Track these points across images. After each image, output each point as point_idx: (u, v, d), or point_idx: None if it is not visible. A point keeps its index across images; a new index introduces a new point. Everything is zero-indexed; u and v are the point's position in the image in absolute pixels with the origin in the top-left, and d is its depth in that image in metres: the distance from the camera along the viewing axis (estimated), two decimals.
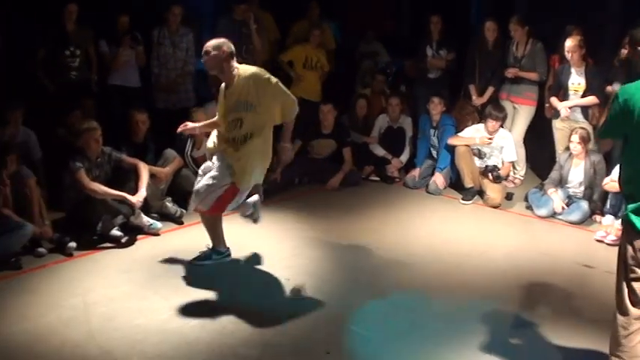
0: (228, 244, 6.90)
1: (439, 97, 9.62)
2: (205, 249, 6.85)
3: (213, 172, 6.29)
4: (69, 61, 8.90)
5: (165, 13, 9.49)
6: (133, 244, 7.34)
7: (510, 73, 9.62)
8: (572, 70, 8.83)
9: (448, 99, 10.41)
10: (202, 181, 6.34)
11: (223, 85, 6.35)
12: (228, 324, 5.64)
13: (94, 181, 7.31)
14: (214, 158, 6.47)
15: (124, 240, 7.30)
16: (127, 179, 7.58)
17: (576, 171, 8.53)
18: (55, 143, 8.23)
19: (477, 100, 9.92)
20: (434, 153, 9.77)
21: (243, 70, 6.22)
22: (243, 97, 6.12)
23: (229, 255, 6.86)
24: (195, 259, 6.80)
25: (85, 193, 7.25)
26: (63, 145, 7.99)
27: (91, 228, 7.32)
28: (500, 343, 5.51)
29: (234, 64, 6.20)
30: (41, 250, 6.90)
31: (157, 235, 7.59)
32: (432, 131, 9.77)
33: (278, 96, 6.18)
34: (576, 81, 8.83)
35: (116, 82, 9.48)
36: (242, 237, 7.56)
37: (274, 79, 6.17)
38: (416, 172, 9.71)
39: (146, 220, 7.56)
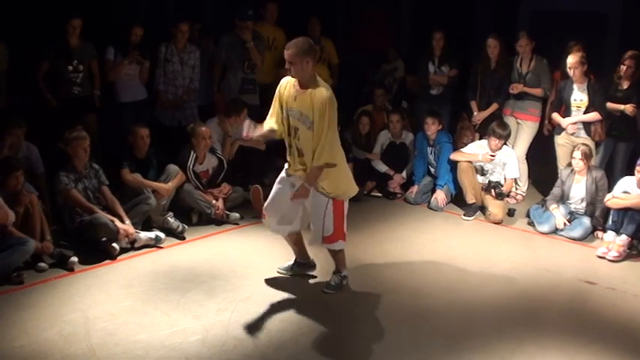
0: (227, 259, 6.89)
1: (432, 117, 9.55)
2: (334, 279, 6.70)
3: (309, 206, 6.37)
4: (72, 76, 8.89)
5: (173, 29, 9.50)
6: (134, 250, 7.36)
7: (514, 88, 9.62)
8: (575, 86, 8.83)
9: (450, 115, 10.41)
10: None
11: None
12: (228, 339, 5.64)
13: (81, 195, 7.45)
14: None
15: (116, 252, 7.31)
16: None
17: (578, 187, 8.53)
18: (56, 157, 8.23)
19: (478, 116, 9.91)
20: (432, 170, 9.75)
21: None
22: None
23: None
24: (327, 287, 6.67)
25: (81, 210, 7.37)
26: (62, 159, 8.00)
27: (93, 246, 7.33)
28: (502, 359, 5.51)
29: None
30: (42, 265, 6.89)
31: (160, 248, 7.60)
32: (429, 149, 9.76)
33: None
34: (578, 97, 8.83)
35: (127, 100, 9.44)
36: (243, 252, 7.59)
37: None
38: (414, 189, 9.70)
39: (147, 238, 7.58)
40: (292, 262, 6.99)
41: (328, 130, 6.02)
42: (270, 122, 6.46)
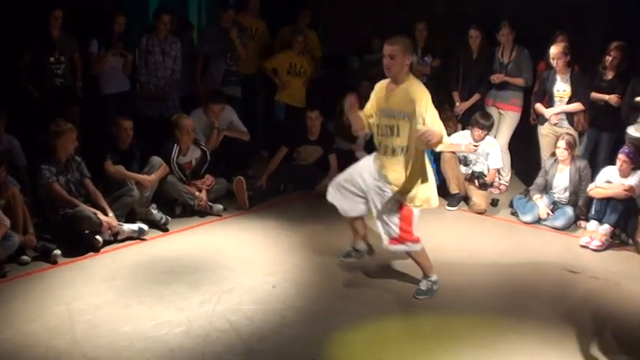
0: (211, 251, 6.88)
1: None
2: (423, 284, 6.56)
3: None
4: (53, 68, 8.83)
5: (155, 21, 9.46)
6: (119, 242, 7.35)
7: (496, 78, 9.65)
8: (558, 76, 8.87)
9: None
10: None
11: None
12: (212, 331, 5.63)
13: (63, 189, 7.41)
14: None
15: (99, 244, 7.29)
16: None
17: (561, 177, 8.56)
18: (38, 149, 8.18)
19: (460, 106, 9.94)
20: None
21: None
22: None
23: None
24: (417, 293, 6.50)
25: (63, 204, 7.36)
26: (44, 151, 7.95)
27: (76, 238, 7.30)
28: (486, 348, 5.53)
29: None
30: (25, 258, 6.86)
31: (144, 240, 7.58)
32: None
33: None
34: (561, 88, 8.88)
35: (112, 92, 9.41)
36: (227, 243, 7.59)
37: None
38: None
39: (130, 230, 7.56)
40: (350, 247, 6.83)
41: (432, 113, 6.00)
42: (366, 120, 6.42)
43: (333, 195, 6.49)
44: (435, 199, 6.28)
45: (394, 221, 6.16)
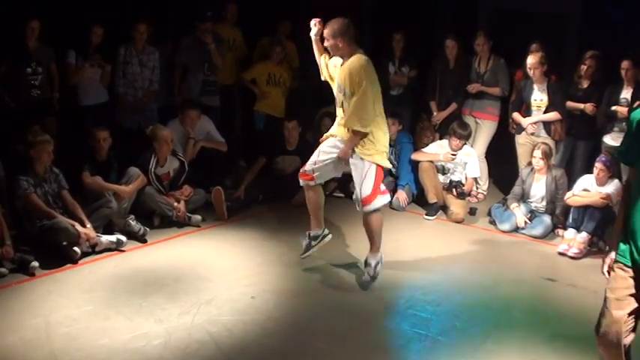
0: (189, 262, 6.89)
1: (392, 118, 9.54)
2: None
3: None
4: (30, 79, 8.77)
5: (131, 31, 9.43)
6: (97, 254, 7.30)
7: (472, 88, 9.71)
8: (535, 86, 8.93)
9: (410, 116, 10.46)
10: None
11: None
12: (191, 342, 5.62)
13: (40, 200, 7.37)
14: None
15: (77, 256, 7.25)
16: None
17: (538, 186, 8.61)
18: (15, 161, 8.13)
19: (438, 116, 9.99)
20: (393, 170, 9.73)
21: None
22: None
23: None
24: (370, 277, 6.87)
25: (41, 215, 7.31)
26: (21, 162, 7.91)
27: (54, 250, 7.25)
28: (464, 356, 5.55)
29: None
30: (2, 270, 6.79)
31: (122, 251, 7.54)
32: (389, 149, 9.78)
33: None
34: (539, 97, 8.93)
35: (90, 103, 9.34)
36: (205, 254, 7.57)
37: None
38: None
39: (108, 241, 7.52)
40: (306, 238, 7.13)
41: (359, 97, 6.39)
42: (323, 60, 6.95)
43: (320, 175, 6.92)
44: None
45: (366, 181, 6.62)
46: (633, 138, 4.15)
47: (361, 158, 6.56)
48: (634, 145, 4.15)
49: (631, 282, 4.17)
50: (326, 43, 6.53)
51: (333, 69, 6.76)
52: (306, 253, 7.06)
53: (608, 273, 4.36)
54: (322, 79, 7.01)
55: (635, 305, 4.16)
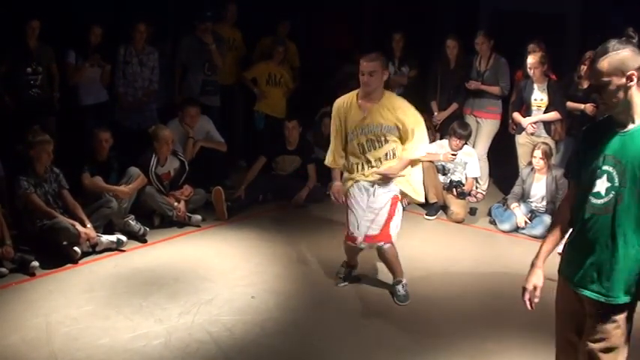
0: (190, 262, 6.87)
1: None
2: (399, 290, 6.62)
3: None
4: (30, 79, 8.77)
5: (131, 31, 9.43)
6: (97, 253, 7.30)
7: (472, 85, 9.70)
8: (535, 86, 8.92)
9: None
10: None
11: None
12: (191, 342, 5.62)
13: (40, 200, 7.35)
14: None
15: (78, 256, 7.25)
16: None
17: (538, 185, 8.61)
18: (15, 160, 8.13)
19: (438, 116, 9.99)
20: None
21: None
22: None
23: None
24: (400, 301, 6.56)
25: (41, 215, 7.31)
26: (22, 162, 7.91)
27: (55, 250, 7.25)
28: (464, 356, 5.55)
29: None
30: (3, 270, 6.80)
31: (122, 251, 7.55)
32: None
33: None
34: (539, 97, 8.93)
35: (89, 103, 9.34)
36: (205, 254, 7.57)
37: None
38: None
39: (108, 241, 7.53)
40: (345, 267, 6.97)
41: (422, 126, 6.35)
42: (338, 157, 6.63)
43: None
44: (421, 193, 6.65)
45: (379, 218, 6.32)
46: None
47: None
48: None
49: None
50: (367, 78, 6.13)
51: (346, 120, 6.45)
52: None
53: None
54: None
55: None
